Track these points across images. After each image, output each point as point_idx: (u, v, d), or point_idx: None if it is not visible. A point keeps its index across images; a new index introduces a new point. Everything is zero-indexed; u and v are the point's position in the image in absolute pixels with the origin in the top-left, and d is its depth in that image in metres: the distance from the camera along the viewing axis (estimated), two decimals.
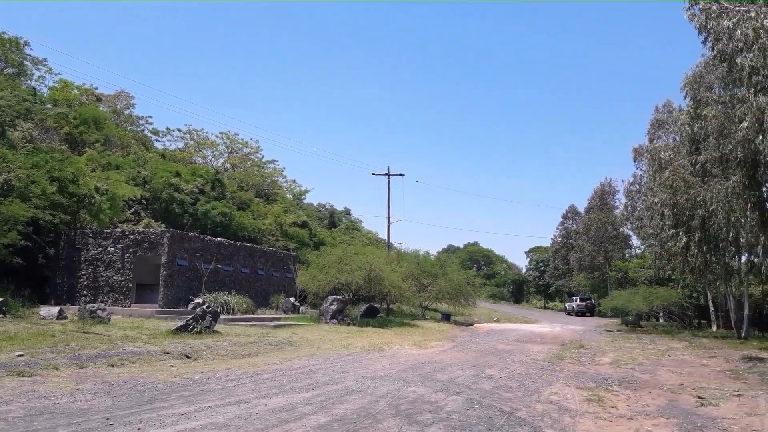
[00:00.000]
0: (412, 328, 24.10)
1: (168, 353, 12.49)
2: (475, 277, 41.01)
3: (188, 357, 12.30)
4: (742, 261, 26.28)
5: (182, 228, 28.32)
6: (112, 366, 10.56)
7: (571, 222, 77.08)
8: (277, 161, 48.15)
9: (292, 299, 27.58)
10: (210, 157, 44.99)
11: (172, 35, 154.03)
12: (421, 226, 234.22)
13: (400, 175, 46.22)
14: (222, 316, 19.79)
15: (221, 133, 45.60)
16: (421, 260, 36.44)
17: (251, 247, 28.55)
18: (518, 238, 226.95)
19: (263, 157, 47.70)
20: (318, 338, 17.36)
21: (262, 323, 20.54)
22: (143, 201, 29.79)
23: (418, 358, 14.41)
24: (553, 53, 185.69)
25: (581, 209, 73.23)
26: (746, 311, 27.86)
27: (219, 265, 25.37)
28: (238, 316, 22.29)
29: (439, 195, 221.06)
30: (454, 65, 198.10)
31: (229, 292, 24.11)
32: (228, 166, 44.84)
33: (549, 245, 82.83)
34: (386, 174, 45.33)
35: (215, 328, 16.68)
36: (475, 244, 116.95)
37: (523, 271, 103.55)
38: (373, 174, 47.27)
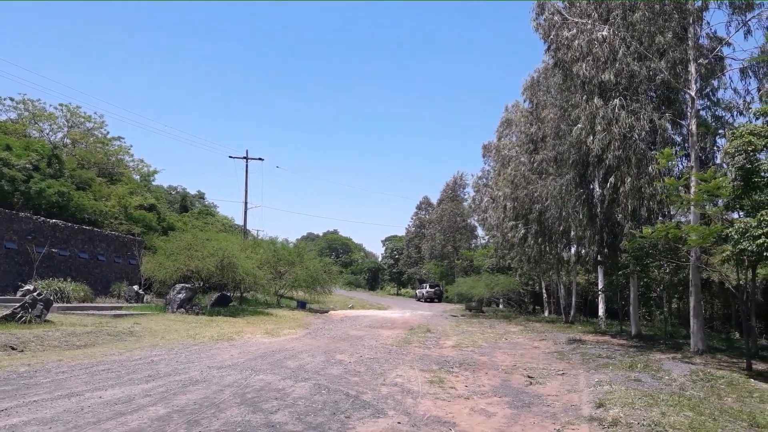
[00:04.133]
0: (265, 317, 23.78)
1: None
2: (333, 264, 41.28)
3: (13, 348, 11.22)
4: (572, 252, 29.02)
5: (12, 207, 25.52)
6: None
7: (424, 213, 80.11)
8: (123, 138, 44.36)
9: (135, 287, 25.99)
10: (47, 131, 40.81)
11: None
12: (280, 213, 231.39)
13: (260, 159, 45.20)
14: (56, 305, 18.26)
15: (61, 104, 41.53)
16: (278, 248, 35.97)
17: (91, 230, 26.44)
18: (376, 226, 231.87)
19: (108, 133, 44.04)
20: (163, 328, 16.56)
21: (101, 312, 19.18)
22: None
23: (269, 347, 14.27)
24: (423, 47, 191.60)
25: (434, 201, 76.41)
26: (574, 298, 30.80)
27: (54, 249, 23.26)
28: (74, 304, 20.60)
29: (299, 182, 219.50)
30: (315, 56, 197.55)
31: (64, 279, 22.19)
32: (68, 141, 41.02)
33: (404, 234, 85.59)
34: (244, 158, 44.10)
35: (47, 318, 15.34)
36: (335, 232, 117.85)
37: (379, 259, 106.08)
38: (230, 157, 45.50)
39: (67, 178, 30.59)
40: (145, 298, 25.66)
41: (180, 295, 22.32)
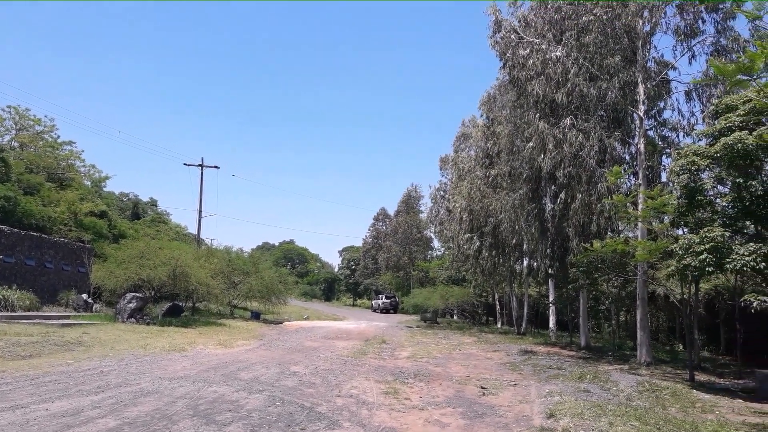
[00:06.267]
0: (218, 328, 23.40)
1: None
2: (288, 275, 40.95)
3: None
4: (524, 265, 29.57)
5: None
6: None
7: (381, 224, 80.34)
8: (74, 143, 43.20)
9: (84, 296, 25.25)
10: None
11: None
12: (236, 222, 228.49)
13: (215, 167, 44.40)
14: None
15: (9, 107, 40.21)
16: (233, 257, 35.51)
17: (39, 236, 25.61)
18: (333, 237, 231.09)
19: (59, 137, 42.95)
20: (113, 338, 16.14)
21: (48, 321, 18.55)
22: None
23: (222, 358, 14.09)
24: (382, 56, 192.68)
25: (392, 212, 76.76)
26: (526, 310, 31.35)
27: None
28: (19, 313, 19.88)
29: (256, 191, 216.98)
30: (272, 64, 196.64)
31: (9, 287, 21.39)
32: (15, 144, 39.66)
33: (361, 245, 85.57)
34: (200, 165, 43.36)
35: None
36: (291, 242, 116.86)
37: (336, 269, 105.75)
38: (185, 164, 44.67)
39: (14, 182, 29.61)
40: (94, 307, 24.96)
41: (131, 305, 21.79)
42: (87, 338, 15.47)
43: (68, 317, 20.86)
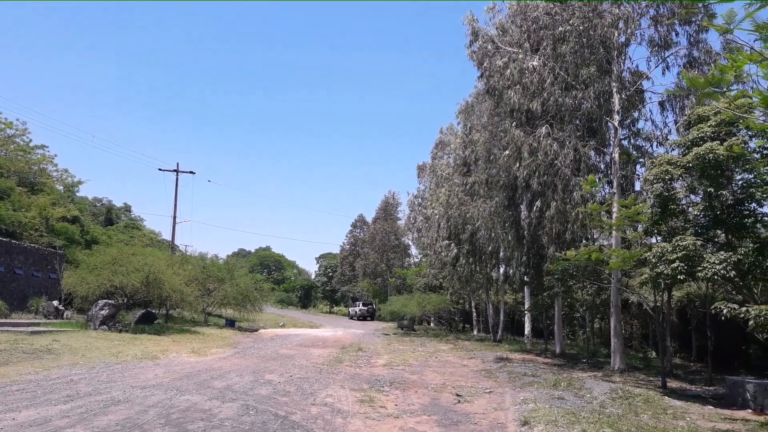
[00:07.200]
0: (192, 335, 23.07)
1: None
2: (264, 281, 40.52)
3: None
4: (501, 272, 29.77)
5: None
6: None
7: (359, 231, 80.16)
8: (47, 147, 42.23)
9: (55, 303, 24.77)
10: None
11: None
12: (211, 228, 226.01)
13: (191, 172, 44.04)
14: None
15: None
16: (207, 264, 35.08)
17: (8, 242, 25.08)
18: (310, 244, 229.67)
19: (31, 141, 42.13)
20: (84, 346, 15.81)
21: (16, 329, 18.14)
22: None
23: (195, 366, 13.88)
24: (358, 64, 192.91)
25: (370, 219, 76.71)
26: (502, 317, 31.48)
27: None
28: None
29: (232, 197, 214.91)
30: (248, 69, 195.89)
31: None
32: None
33: (338, 252, 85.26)
34: (175, 170, 42.89)
35: None
36: (267, 248, 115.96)
37: (313, 276, 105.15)
38: (159, 169, 44.25)
39: None
40: (65, 315, 24.50)
41: (102, 312, 21.39)
42: (57, 346, 15.14)
43: (38, 324, 20.44)
